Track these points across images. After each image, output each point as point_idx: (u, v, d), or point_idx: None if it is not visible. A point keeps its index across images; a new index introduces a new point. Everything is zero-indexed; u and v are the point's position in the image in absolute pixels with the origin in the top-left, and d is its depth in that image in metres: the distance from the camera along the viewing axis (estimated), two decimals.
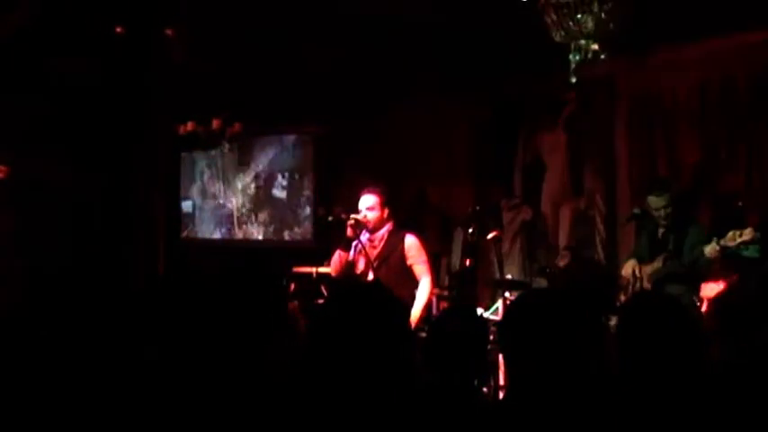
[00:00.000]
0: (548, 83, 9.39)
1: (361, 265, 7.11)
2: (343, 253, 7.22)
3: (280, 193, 12.59)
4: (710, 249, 6.75)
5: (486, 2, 7.78)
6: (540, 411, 2.89)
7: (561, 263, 8.23)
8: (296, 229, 12.46)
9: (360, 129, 11.69)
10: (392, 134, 11.58)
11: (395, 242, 7.08)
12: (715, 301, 4.00)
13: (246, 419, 2.91)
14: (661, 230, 7.35)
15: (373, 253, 7.06)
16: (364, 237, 7.12)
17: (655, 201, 7.34)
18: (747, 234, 6.56)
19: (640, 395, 3.05)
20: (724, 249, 6.71)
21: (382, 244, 7.09)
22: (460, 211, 10.32)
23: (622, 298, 7.42)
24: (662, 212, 7.28)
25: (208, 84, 9.94)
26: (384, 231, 7.12)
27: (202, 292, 3.48)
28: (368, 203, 7.11)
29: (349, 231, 7.08)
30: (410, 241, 7.10)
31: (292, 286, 6.08)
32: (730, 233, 6.64)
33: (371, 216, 7.08)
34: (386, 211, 7.12)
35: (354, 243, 7.12)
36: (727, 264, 6.81)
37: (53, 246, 9.05)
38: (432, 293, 7.36)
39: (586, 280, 7.62)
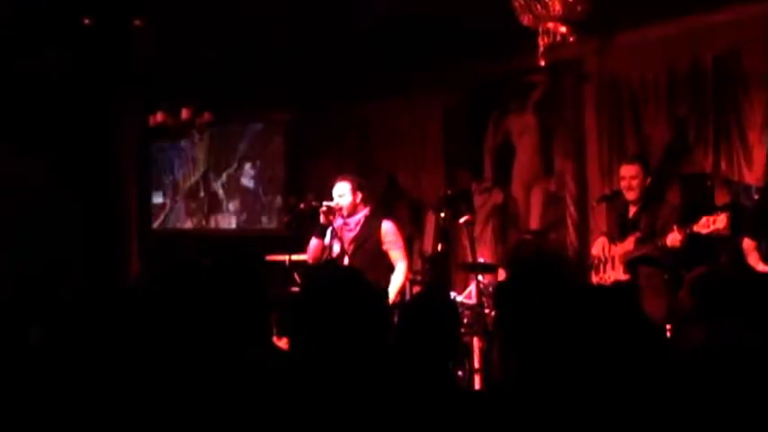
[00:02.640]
0: (517, 66, 9.42)
1: (336, 250, 7.15)
2: (318, 240, 7.27)
3: (250, 182, 12.58)
4: (672, 238, 6.73)
5: None
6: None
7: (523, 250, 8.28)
8: (267, 218, 12.46)
9: (329, 116, 11.70)
10: (362, 120, 11.60)
11: (372, 227, 7.13)
12: (690, 281, 4.03)
13: (229, 406, 2.92)
14: (632, 210, 7.33)
15: (349, 236, 7.12)
16: (339, 222, 7.16)
17: (625, 169, 7.29)
18: (721, 222, 6.52)
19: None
20: (695, 236, 6.70)
21: (358, 228, 7.15)
22: (432, 196, 10.37)
23: (593, 277, 7.46)
24: (627, 182, 7.21)
25: (177, 74, 9.90)
26: (360, 216, 7.17)
27: (181, 283, 3.48)
28: (340, 190, 7.17)
29: (322, 218, 7.14)
30: (387, 226, 7.15)
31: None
32: (703, 219, 6.61)
33: (344, 202, 7.14)
34: (358, 196, 7.18)
35: (330, 229, 7.18)
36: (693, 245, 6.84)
37: (25, 242, 9.00)
38: (408, 278, 7.42)
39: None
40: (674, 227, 6.73)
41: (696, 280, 3.96)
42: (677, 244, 6.71)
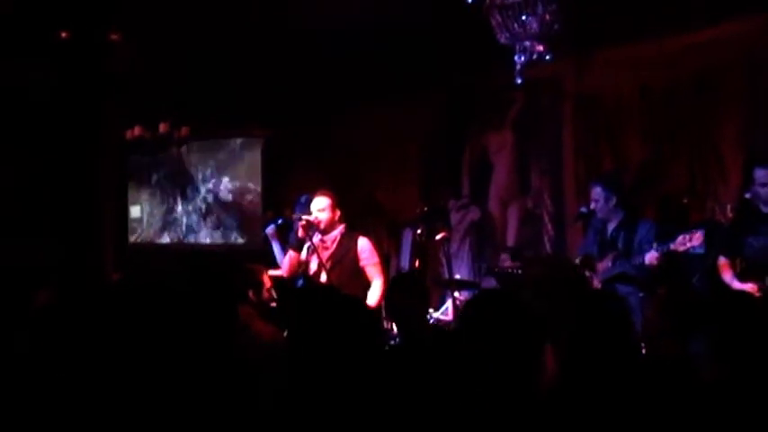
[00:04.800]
0: (494, 83, 9.46)
1: (313, 266, 7.16)
2: (294, 254, 7.27)
3: (228, 196, 12.56)
4: (650, 257, 6.79)
5: (431, 5, 7.82)
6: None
7: (505, 264, 8.30)
8: (245, 232, 12.44)
9: (307, 132, 11.71)
10: (340, 136, 11.60)
11: (348, 244, 7.13)
12: (661, 299, 4.07)
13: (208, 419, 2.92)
14: (610, 228, 7.37)
15: (325, 254, 7.11)
16: (316, 238, 7.17)
17: (597, 192, 7.35)
18: (696, 239, 6.60)
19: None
20: (671, 254, 6.75)
21: (335, 245, 7.15)
22: (409, 213, 10.38)
23: None
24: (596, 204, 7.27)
25: (155, 88, 9.89)
26: (336, 233, 7.17)
27: (153, 297, 3.47)
28: (320, 205, 7.16)
29: (300, 232, 7.13)
30: (363, 243, 7.16)
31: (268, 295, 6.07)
32: (680, 237, 6.68)
33: (323, 217, 7.13)
34: (337, 213, 7.18)
35: (307, 244, 7.17)
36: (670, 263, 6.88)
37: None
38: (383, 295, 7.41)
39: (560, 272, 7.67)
40: (652, 245, 6.79)
41: (663, 299, 4.00)
42: (654, 262, 6.77)
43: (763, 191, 6.60)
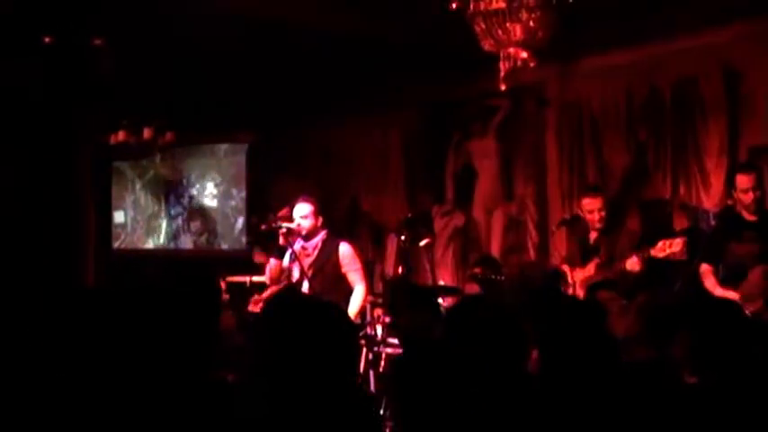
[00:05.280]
0: (478, 90, 9.47)
1: (296, 274, 7.14)
2: (277, 261, 7.26)
3: (212, 202, 12.55)
4: (631, 263, 6.84)
5: (415, 11, 7.83)
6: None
7: (476, 270, 8.30)
8: (229, 239, 12.42)
9: (292, 137, 11.70)
10: (324, 143, 11.61)
11: (329, 250, 7.12)
12: (639, 306, 4.09)
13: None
14: (593, 235, 7.44)
15: (307, 261, 7.10)
16: (298, 245, 7.15)
17: (589, 202, 7.44)
18: (677, 246, 6.65)
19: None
20: (652, 260, 6.80)
21: (316, 252, 7.13)
22: (393, 219, 10.39)
23: None
24: (596, 215, 7.38)
25: (139, 93, 9.86)
26: (318, 240, 7.15)
27: (134, 303, 3.47)
28: (302, 212, 7.14)
29: (281, 240, 7.12)
30: (344, 249, 7.15)
31: (226, 296, 6.07)
32: (660, 243, 6.73)
33: (305, 224, 7.11)
34: (320, 220, 7.17)
35: (289, 251, 7.15)
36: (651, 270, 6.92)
37: None
38: (366, 300, 7.41)
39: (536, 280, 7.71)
40: (634, 252, 6.83)
41: (641, 306, 4.02)
42: (636, 269, 6.81)
43: (744, 197, 6.63)
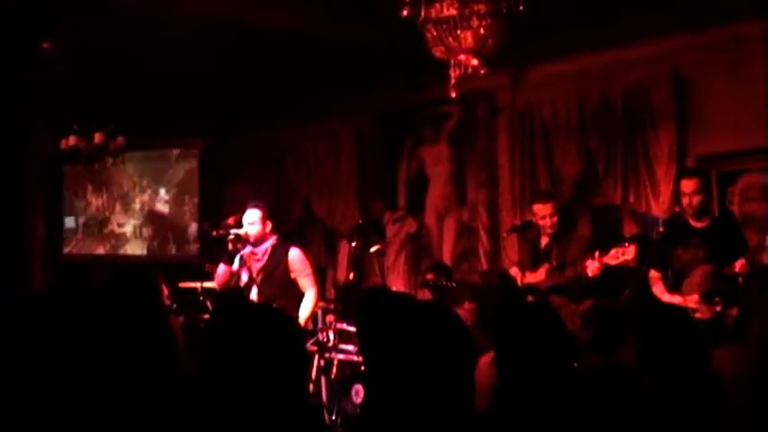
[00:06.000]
0: (430, 96, 9.49)
1: (245, 278, 7.13)
2: (226, 266, 7.24)
3: (164, 207, 12.47)
4: (593, 268, 6.88)
5: (368, 18, 7.83)
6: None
7: (428, 276, 8.32)
8: (181, 244, 12.35)
9: (244, 143, 11.67)
10: (276, 148, 11.59)
11: (279, 255, 7.11)
12: (585, 312, 4.12)
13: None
14: (544, 240, 7.48)
15: (257, 266, 7.09)
16: (247, 250, 7.13)
17: (541, 208, 7.49)
18: (630, 253, 6.72)
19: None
20: (605, 267, 6.85)
21: (266, 257, 7.11)
22: (345, 225, 10.39)
23: None
24: (548, 220, 7.43)
25: (90, 97, 9.78)
26: (268, 245, 7.14)
27: (76, 308, 3.44)
28: (251, 218, 7.13)
29: (230, 246, 7.10)
30: (294, 254, 7.13)
31: (168, 301, 6.02)
32: (613, 250, 6.79)
33: (253, 230, 7.10)
34: (268, 225, 7.15)
35: (238, 256, 7.14)
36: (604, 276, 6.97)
37: None
38: (317, 305, 7.41)
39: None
40: (596, 255, 6.87)
41: (588, 312, 4.05)
42: (597, 273, 6.85)
43: (692, 200, 6.69)
